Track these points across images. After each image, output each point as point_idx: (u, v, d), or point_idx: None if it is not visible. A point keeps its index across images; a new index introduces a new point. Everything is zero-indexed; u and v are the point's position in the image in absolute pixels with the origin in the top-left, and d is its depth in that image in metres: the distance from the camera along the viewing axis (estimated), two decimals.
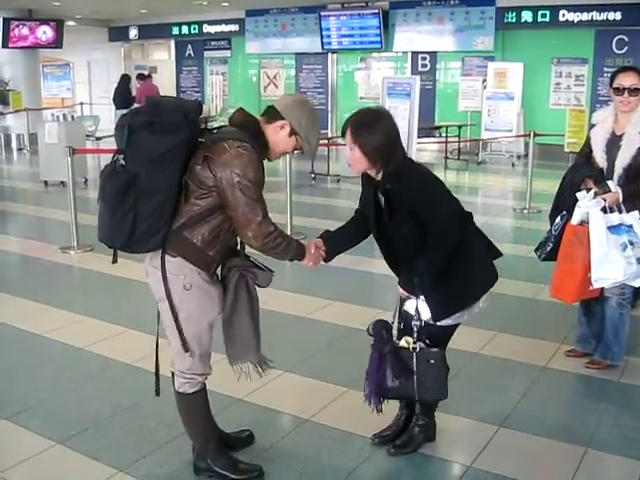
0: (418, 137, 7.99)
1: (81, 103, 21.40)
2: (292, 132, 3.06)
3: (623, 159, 4.26)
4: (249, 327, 3.16)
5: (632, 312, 4.79)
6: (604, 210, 4.14)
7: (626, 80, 4.26)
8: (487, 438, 3.71)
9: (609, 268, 4.05)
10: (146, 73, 18.83)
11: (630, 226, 4.15)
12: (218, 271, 3.19)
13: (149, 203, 2.87)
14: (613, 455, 3.56)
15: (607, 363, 4.53)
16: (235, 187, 2.87)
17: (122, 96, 17.57)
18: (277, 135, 3.07)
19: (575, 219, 4.24)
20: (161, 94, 17.18)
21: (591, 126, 4.58)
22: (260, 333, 3.22)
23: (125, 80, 18.15)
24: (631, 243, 4.08)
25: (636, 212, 4.20)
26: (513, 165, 14.93)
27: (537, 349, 4.91)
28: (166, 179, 2.87)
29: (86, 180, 12.24)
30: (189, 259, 2.98)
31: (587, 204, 4.15)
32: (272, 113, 3.08)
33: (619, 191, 4.19)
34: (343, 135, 3.28)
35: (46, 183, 12.04)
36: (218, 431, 3.46)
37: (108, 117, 18.17)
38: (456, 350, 4.87)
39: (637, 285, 4.22)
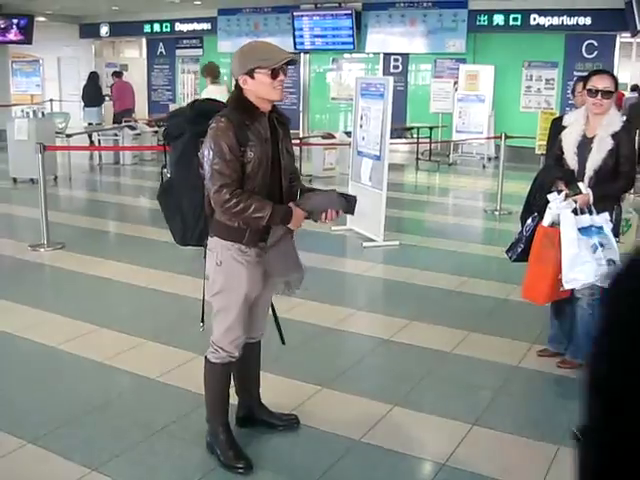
0: (390, 138, 8.00)
1: (51, 100, 21.20)
2: (249, 74, 3.16)
3: (594, 161, 4.31)
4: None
5: None
6: (575, 212, 4.19)
7: (600, 83, 4.31)
8: (460, 436, 3.73)
9: (580, 269, 4.10)
10: (118, 70, 18.68)
11: (600, 227, 4.21)
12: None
13: (186, 200, 3.31)
14: None
15: (578, 363, 4.58)
16: (203, 158, 3.14)
17: (91, 94, 17.40)
18: (249, 88, 3.18)
19: (546, 220, 4.29)
20: (134, 92, 17.45)
21: (562, 128, 4.63)
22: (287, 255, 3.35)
23: (93, 78, 17.82)
24: (601, 245, 4.13)
25: (606, 214, 4.26)
26: (484, 167, 15.05)
27: (509, 349, 4.95)
28: (189, 174, 3.26)
29: (56, 177, 12.12)
30: (221, 236, 3.25)
31: (558, 206, 4.20)
32: (236, 83, 3.25)
33: (590, 193, 4.25)
34: None
35: (15, 180, 11.88)
36: (225, 418, 3.52)
37: (78, 114, 18.01)
38: (428, 349, 4.95)
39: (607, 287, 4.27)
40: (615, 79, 4.39)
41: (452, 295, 6.24)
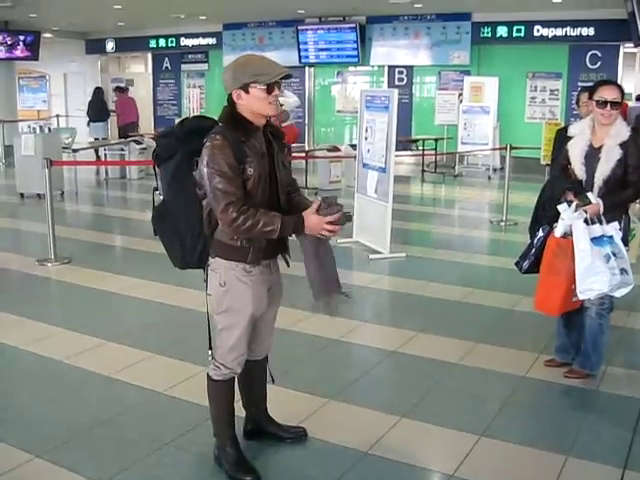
0: (395, 150, 8.01)
1: (57, 115, 21.27)
2: (244, 89, 3.11)
3: (603, 171, 4.32)
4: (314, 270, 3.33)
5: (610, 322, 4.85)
6: (586, 222, 4.19)
7: (609, 94, 4.31)
8: (468, 447, 3.72)
9: (594, 280, 4.10)
10: (123, 86, 18.84)
11: (611, 237, 4.20)
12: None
13: (183, 222, 3.22)
14: (593, 463, 3.58)
15: (585, 373, 4.57)
16: (204, 177, 3.07)
17: (96, 109, 17.76)
18: (243, 103, 3.14)
19: (558, 231, 4.29)
20: (137, 107, 17.86)
21: (567, 139, 4.64)
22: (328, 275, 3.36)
23: (98, 93, 18.16)
24: (614, 254, 4.13)
25: (616, 223, 4.27)
26: (489, 178, 15.05)
27: (516, 359, 4.94)
28: (184, 196, 3.20)
29: (62, 192, 12.17)
30: (223, 256, 3.23)
31: (570, 216, 4.20)
32: (229, 97, 3.19)
33: (600, 203, 4.25)
34: None
35: (22, 195, 11.93)
36: (232, 432, 3.51)
37: (84, 129, 18.10)
38: (435, 361, 4.95)
39: (619, 296, 4.28)
40: (622, 89, 4.40)
41: (459, 306, 6.23)
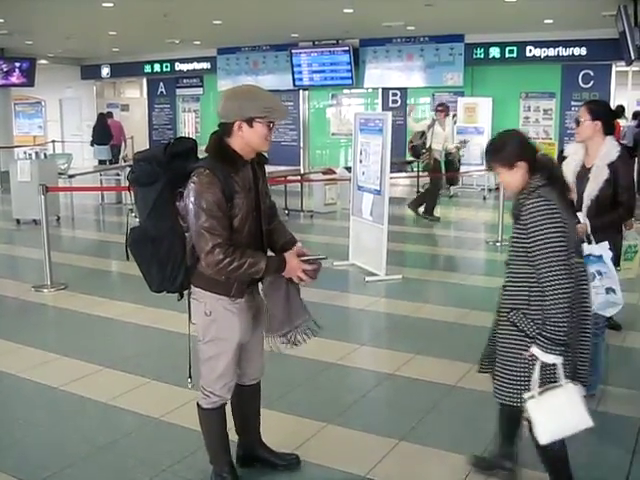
0: (390, 172, 8.04)
1: (53, 141, 21.38)
2: (247, 122, 3.03)
3: (591, 190, 4.35)
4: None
5: (607, 341, 4.85)
6: None
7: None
8: (467, 470, 3.70)
9: None
10: (104, 112, 20.24)
11: (599, 257, 4.20)
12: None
13: (163, 248, 3.12)
14: None
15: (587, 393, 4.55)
16: (189, 213, 3.01)
17: (100, 133, 18.72)
18: (242, 135, 3.06)
19: None
20: (124, 130, 19.89)
21: (563, 158, 4.67)
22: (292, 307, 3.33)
23: (102, 118, 19.03)
24: (599, 273, 4.12)
25: (606, 243, 4.27)
26: (484, 198, 15.09)
27: None
28: (165, 225, 3.11)
29: (58, 218, 12.19)
30: (206, 288, 3.19)
31: None
32: (223, 126, 3.10)
33: (587, 223, 4.27)
34: None
35: (18, 221, 11.94)
36: (230, 455, 3.52)
37: (80, 155, 18.19)
38: (433, 383, 4.94)
39: (608, 315, 4.28)
40: (591, 109, 4.42)
41: (455, 328, 6.23)
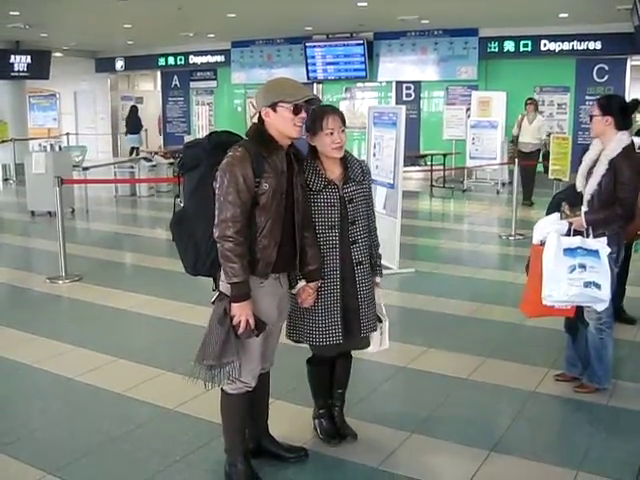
0: (404, 166, 8.03)
1: (67, 133, 21.47)
2: (272, 107, 3.23)
3: (591, 185, 4.39)
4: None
5: (617, 336, 4.85)
6: (569, 233, 4.22)
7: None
8: (478, 463, 3.72)
9: (553, 287, 4.13)
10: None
11: (594, 251, 4.18)
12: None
13: (201, 229, 3.24)
14: (604, 478, 3.57)
15: (595, 387, 4.57)
16: (216, 182, 3.16)
17: (132, 124, 20.65)
18: (270, 122, 3.24)
19: (535, 238, 4.34)
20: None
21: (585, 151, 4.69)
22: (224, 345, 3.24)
23: (133, 110, 20.72)
24: (582, 266, 4.11)
25: (604, 238, 4.26)
26: (498, 192, 15.04)
27: (526, 374, 4.94)
28: (204, 206, 3.21)
29: (73, 210, 12.26)
30: None
31: (542, 226, 4.28)
32: (259, 116, 3.31)
33: (582, 216, 4.30)
34: None
35: (33, 213, 12.03)
36: (246, 445, 3.54)
37: (94, 147, 18.26)
38: (445, 376, 4.95)
39: (600, 309, 4.27)
40: (601, 104, 4.45)
41: (468, 321, 6.24)
